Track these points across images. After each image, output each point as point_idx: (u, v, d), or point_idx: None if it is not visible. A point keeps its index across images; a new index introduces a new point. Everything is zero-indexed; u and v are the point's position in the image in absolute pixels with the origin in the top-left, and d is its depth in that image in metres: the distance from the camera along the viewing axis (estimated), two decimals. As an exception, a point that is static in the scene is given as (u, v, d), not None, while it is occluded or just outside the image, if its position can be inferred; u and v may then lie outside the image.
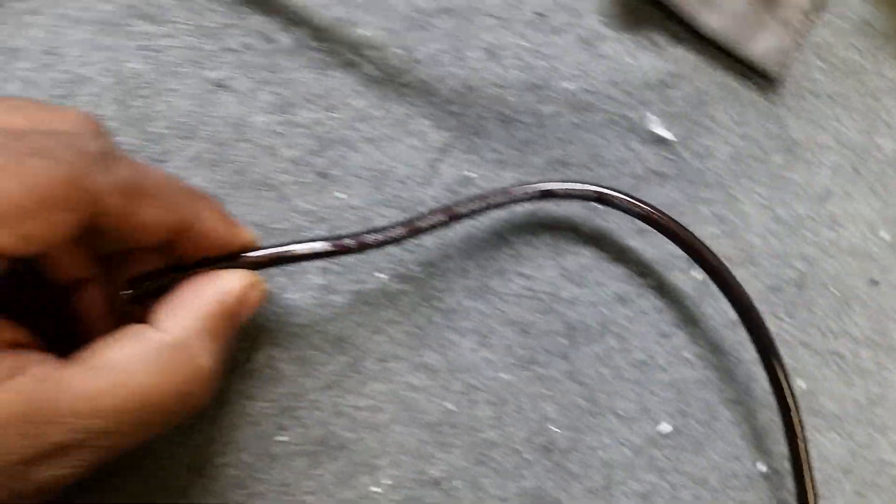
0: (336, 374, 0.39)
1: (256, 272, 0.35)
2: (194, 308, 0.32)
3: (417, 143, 0.42)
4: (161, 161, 0.39)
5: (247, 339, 0.38)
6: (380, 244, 0.37)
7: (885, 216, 0.47)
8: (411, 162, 0.42)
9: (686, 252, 0.41)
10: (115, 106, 0.39)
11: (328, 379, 0.39)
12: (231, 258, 0.35)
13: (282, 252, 0.36)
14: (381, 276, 0.40)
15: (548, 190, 0.40)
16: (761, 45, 0.46)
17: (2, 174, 0.26)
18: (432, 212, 0.38)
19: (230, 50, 0.41)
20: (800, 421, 0.40)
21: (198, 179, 0.39)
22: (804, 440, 0.40)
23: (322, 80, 0.42)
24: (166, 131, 0.40)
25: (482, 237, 0.42)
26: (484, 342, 0.41)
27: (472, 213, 0.39)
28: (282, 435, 0.38)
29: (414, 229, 0.38)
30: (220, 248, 0.34)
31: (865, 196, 0.47)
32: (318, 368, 0.39)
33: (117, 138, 0.39)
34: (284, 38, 0.41)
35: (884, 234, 0.46)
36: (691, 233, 0.40)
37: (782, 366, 0.40)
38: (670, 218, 0.40)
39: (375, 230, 0.37)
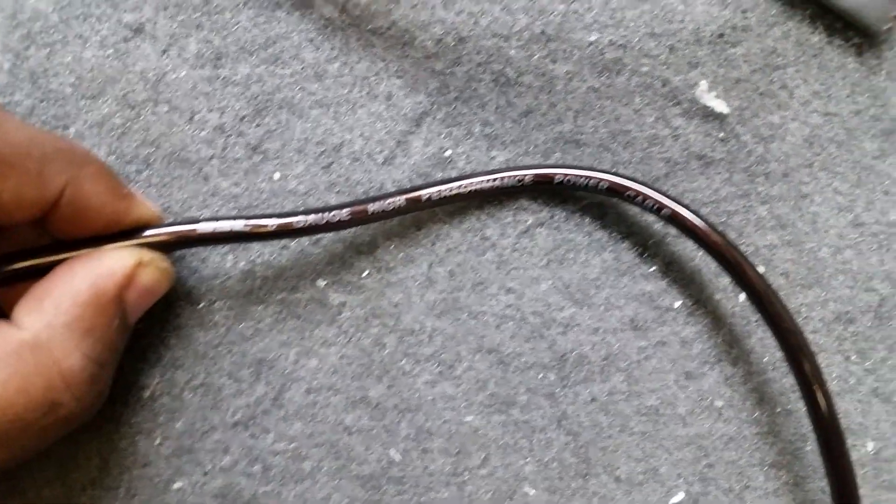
0: (252, 407, 0.25)
1: (155, 252, 0.22)
2: (61, 298, 0.21)
3: (384, 110, 0.26)
4: (59, 127, 0.25)
5: (142, 359, 0.25)
6: (312, 230, 0.22)
7: None
8: (373, 134, 0.26)
9: (721, 265, 0.24)
10: (10, 57, 0.25)
11: (241, 414, 0.25)
12: (121, 236, 0.22)
13: (182, 231, 0.22)
14: (321, 282, 0.25)
15: (544, 176, 0.24)
16: (864, -11, 0.27)
17: None
18: (390, 194, 0.23)
19: (152, -17, 0.26)
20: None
21: (100, 151, 0.25)
22: None
23: (266, 24, 0.26)
24: (69, 89, 0.25)
25: (457, 237, 0.26)
26: (447, 374, 0.25)
27: (441, 202, 0.24)
28: (179, 481, 0.24)
29: (362, 215, 0.23)
30: (108, 224, 0.22)
31: None
32: (230, 400, 0.25)
33: (7, 96, 0.25)
34: (220, -31, 0.26)
35: None
36: (730, 241, 0.24)
37: (837, 429, 0.24)
38: (704, 220, 0.24)
39: (309, 211, 0.22)
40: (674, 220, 0.24)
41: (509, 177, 0.24)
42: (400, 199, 0.23)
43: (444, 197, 0.24)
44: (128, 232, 0.22)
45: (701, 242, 0.24)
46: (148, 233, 0.22)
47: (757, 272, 0.24)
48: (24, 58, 0.25)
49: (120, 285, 0.21)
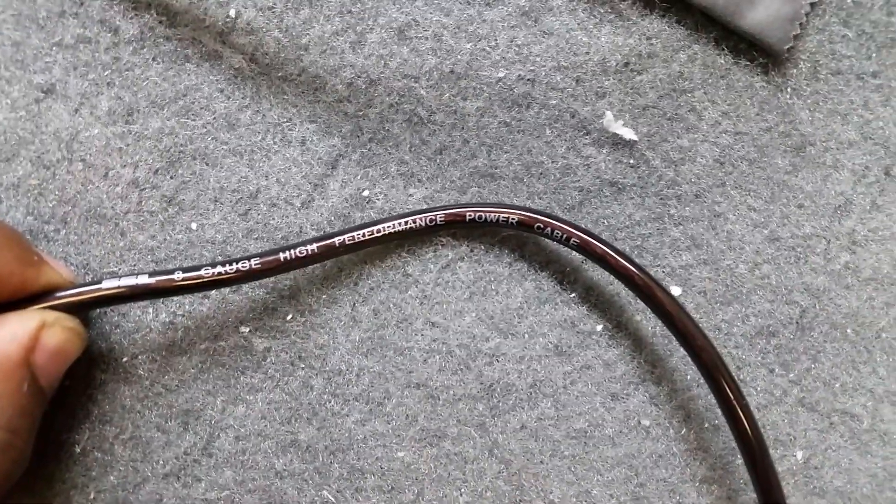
0: (181, 458, 0.28)
1: (60, 312, 0.25)
2: None
3: (298, 155, 0.30)
4: (-27, 188, 0.29)
5: (70, 416, 0.28)
6: (222, 282, 0.26)
7: (924, 232, 0.32)
8: (289, 179, 0.30)
9: (631, 289, 0.28)
10: (-82, 119, 0.29)
11: (172, 464, 0.28)
12: (27, 302, 0.25)
13: (88, 292, 0.25)
14: (244, 329, 0.29)
15: (455, 215, 0.28)
16: (763, 11, 0.31)
17: None
18: (302, 242, 0.27)
19: (62, 45, 0.29)
20: None
21: (17, 213, 0.29)
22: None
23: (176, 78, 0.30)
24: (-18, 150, 0.29)
25: (379, 276, 0.30)
26: (377, 411, 0.29)
27: (355, 247, 0.27)
28: (112, 536, 0.28)
29: (274, 264, 0.26)
30: (16, 292, 0.25)
31: (899, 206, 0.32)
32: (160, 451, 0.28)
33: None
34: (130, 27, 0.29)
35: (922, 255, 0.32)
36: (637, 265, 0.28)
37: (762, 447, 0.28)
38: (611, 247, 0.28)
39: (217, 263, 0.26)
40: (582, 248, 0.28)
41: (421, 218, 0.28)
42: (312, 247, 0.27)
43: (358, 242, 0.28)
44: (34, 297, 0.26)
45: (610, 268, 0.28)
46: (54, 296, 0.26)
47: (666, 292, 0.28)
48: (-66, 123, 0.29)
49: (25, 348, 0.24)
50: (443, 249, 0.30)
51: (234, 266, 0.26)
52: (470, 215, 0.28)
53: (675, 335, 0.28)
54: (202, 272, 0.26)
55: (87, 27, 0.29)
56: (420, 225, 0.28)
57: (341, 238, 0.27)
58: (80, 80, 0.29)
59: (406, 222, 0.28)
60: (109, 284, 0.26)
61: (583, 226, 0.29)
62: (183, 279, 0.26)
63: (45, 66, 0.29)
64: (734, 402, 0.27)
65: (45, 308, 0.25)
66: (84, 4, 0.29)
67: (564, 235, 0.28)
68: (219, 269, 0.26)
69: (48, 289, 0.26)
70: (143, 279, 0.26)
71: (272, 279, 0.29)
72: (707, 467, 0.30)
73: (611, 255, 0.28)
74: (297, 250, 0.26)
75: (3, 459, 0.23)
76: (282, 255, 0.27)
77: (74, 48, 0.29)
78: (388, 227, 0.27)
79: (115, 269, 0.28)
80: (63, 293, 0.26)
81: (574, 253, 0.30)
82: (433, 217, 0.28)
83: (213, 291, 0.29)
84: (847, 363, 0.31)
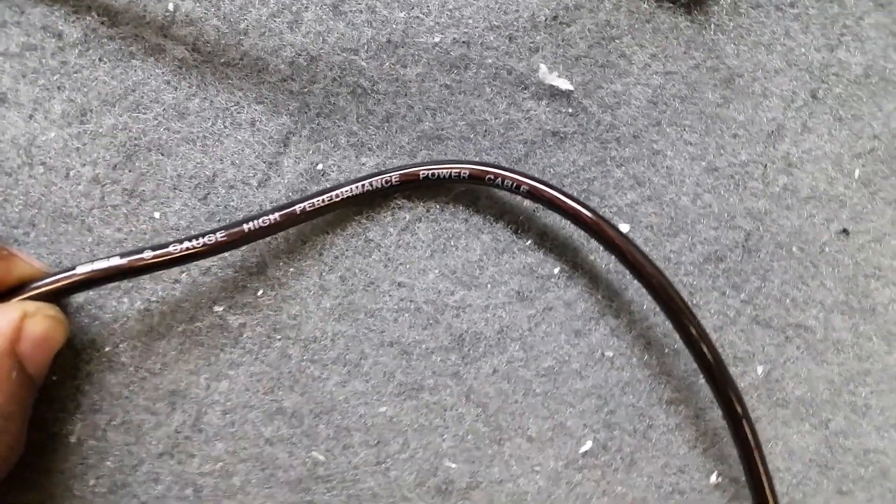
0: (173, 436, 0.33)
1: (40, 302, 0.30)
2: None
3: (249, 137, 0.35)
4: (-62, 202, 0.34)
5: (63, 409, 0.33)
6: (191, 257, 0.31)
7: (853, 149, 0.38)
8: (244, 160, 0.35)
9: (580, 227, 0.34)
10: None
11: (165, 444, 0.33)
12: (7, 295, 0.30)
13: (63, 278, 0.31)
14: (217, 308, 0.34)
15: (409, 174, 0.34)
16: (679, -47, 0.38)
17: None
18: (264, 213, 0.32)
19: (8, 55, 0.34)
20: (752, 428, 0.34)
21: (-16, 218, 0.34)
22: (759, 449, 0.34)
23: (123, 75, 0.35)
24: (-59, 165, 0.34)
25: (342, 244, 0.35)
26: (355, 372, 0.35)
27: (316, 213, 0.33)
28: (115, 516, 0.33)
29: (238, 235, 0.32)
30: None
31: (828, 126, 0.38)
32: (151, 433, 0.33)
33: None
34: (73, 30, 0.34)
35: (855, 171, 0.39)
36: (585, 204, 0.34)
37: (720, 364, 0.34)
38: (558, 190, 0.34)
39: (184, 239, 0.31)
40: (532, 194, 0.34)
41: (377, 180, 0.34)
42: (274, 216, 0.32)
43: (318, 208, 0.33)
44: (11, 291, 0.31)
45: (560, 210, 0.34)
46: (31, 287, 0.31)
47: (615, 228, 0.34)
48: None
49: (10, 339, 0.29)
50: (400, 212, 0.35)
51: (201, 240, 0.31)
52: (423, 173, 0.33)
53: (626, 267, 0.34)
54: (170, 248, 0.31)
55: (31, 34, 0.34)
56: (376, 186, 0.33)
57: (301, 205, 0.32)
58: (31, 87, 0.34)
59: (363, 185, 0.33)
60: (83, 269, 0.31)
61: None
62: (153, 257, 0.31)
63: (-7, 77, 0.34)
64: (689, 325, 0.33)
65: (24, 299, 0.30)
66: (25, 13, 0.34)
67: (514, 184, 0.33)
68: (186, 244, 0.31)
69: (22, 281, 0.31)
70: (115, 260, 0.31)
71: (239, 257, 0.34)
72: (672, 389, 0.36)
73: (559, 197, 0.33)
74: (260, 220, 0.32)
75: (11, 448, 0.28)
76: (245, 227, 0.32)
77: (21, 56, 0.34)
78: (346, 191, 0.33)
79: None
80: (40, 283, 0.31)
81: (525, 202, 0.36)
82: (388, 178, 0.33)
83: (184, 276, 0.34)
84: (795, 279, 0.37)
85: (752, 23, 0.38)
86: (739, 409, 0.33)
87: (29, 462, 0.32)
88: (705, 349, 0.33)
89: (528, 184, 0.33)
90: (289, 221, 0.32)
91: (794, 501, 0.36)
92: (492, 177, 0.33)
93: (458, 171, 0.34)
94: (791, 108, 0.38)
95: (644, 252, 0.33)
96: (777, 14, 0.38)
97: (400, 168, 0.34)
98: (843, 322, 0.37)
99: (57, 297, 0.31)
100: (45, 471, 0.32)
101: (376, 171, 0.35)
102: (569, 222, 0.34)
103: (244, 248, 0.34)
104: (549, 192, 0.33)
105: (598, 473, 0.35)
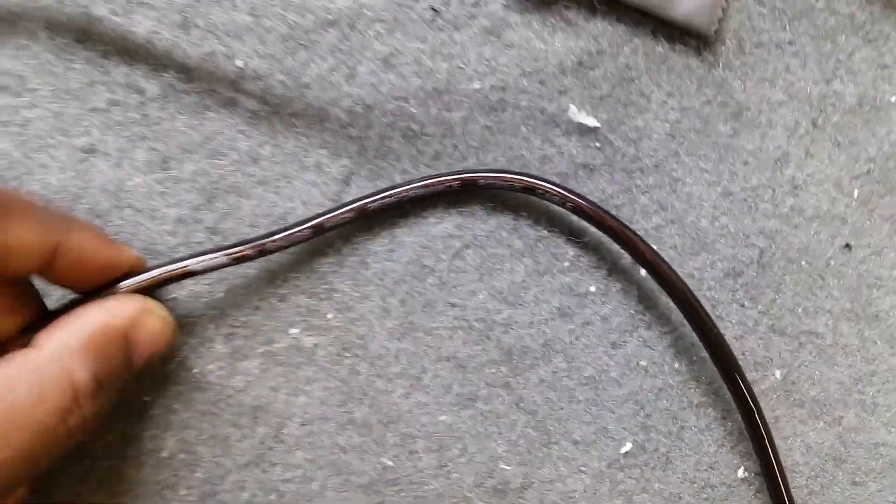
0: (257, 448, 0.39)
1: (156, 302, 0.35)
2: (77, 326, 0.32)
3: (316, 178, 0.41)
4: (38, 244, 0.39)
5: (156, 426, 0.38)
6: (282, 247, 0.37)
7: (852, 171, 0.45)
8: (311, 199, 0.41)
9: (618, 242, 0.40)
10: (-19, 191, 0.39)
11: (250, 455, 0.39)
12: (118, 281, 0.36)
13: (174, 269, 0.36)
14: (294, 331, 0.40)
15: (469, 179, 0.39)
16: (688, 1, 0.44)
17: None
18: (339, 207, 0.38)
19: (97, 110, 0.40)
20: (765, 425, 0.40)
21: (81, 258, 0.39)
22: (772, 446, 0.39)
23: (200, 125, 0.41)
24: (40, 210, 0.39)
25: (401, 270, 0.41)
26: (417, 385, 0.40)
27: (384, 208, 0.38)
28: (207, 522, 0.38)
29: (319, 227, 0.37)
30: (103, 270, 0.35)
31: (828, 152, 0.45)
32: (237, 445, 0.39)
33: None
34: (152, 87, 0.40)
35: (854, 191, 0.45)
36: (622, 221, 0.39)
37: (738, 369, 0.39)
38: (600, 207, 0.39)
39: (276, 232, 0.37)
40: (577, 210, 0.39)
41: (440, 181, 0.39)
42: (348, 211, 0.38)
43: (388, 204, 0.39)
44: (122, 277, 0.36)
45: (599, 225, 0.39)
46: (151, 272, 0.36)
47: (646, 244, 0.39)
48: (-6, 193, 0.39)
49: (127, 322, 0.34)
50: (451, 240, 0.41)
51: (288, 232, 0.37)
52: (482, 181, 0.39)
53: (655, 279, 0.39)
54: (266, 242, 0.37)
55: (115, 91, 0.40)
56: (438, 189, 0.39)
57: (374, 199, 0.38)
58: (117, 138, 0.40)
59: (426, 185, 0.39)
60: (194, 263, 0.36)
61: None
62: (253, 251, 0.37)
63: (84, 130, 0.40)
64: (709, 328, 0.39)
65: (147, 285, 0.36)
66: (110, 73, 0.40)
67: (562, 199, 0.39)
68: (276, 237, 0.37)
69: (129, 269, 0.36)
70: (219, 256, 0.36)
71: (311, 284, 0.40)
72: (700, 394, 0.41)
73: (600, 213, 0.39)
74: (337, 213, 0.38)
75: (91, 406, 0.32)
76: (325, 220, 0.38)
77: (107, 111, 0.40)
78: (411, 189, 0.39)
79: (175, 294, 0.39)
80: (154, 272, 0.36)
81: (561, 230, 0.42)
82: (450, 181, 0.39)
83: (262, 303, 0.39)
84: (805, 290, 0.43)
85: (755, 61, 0.44)
86: (756, 407, 0.39)
87: (125, 475, 0.37)
88: (726, 354, 0.39)
89: (574, 200, 0.39)
90: (361, 214, 0.38)
91: (812, 492, 0.42)
92: (542, 190, 0.39)
93: (514, 180, 0.39)
94: (794, 136, 0.44)
95: (673, 269, 0.39)
96: (777, 52, 0.44)
97: (461, 172, 0.40)
98: (850, 328, 0.43)
99: (160, 285, 0.36)
100: (140, 482, 0.38)
101: (438, 173, 0.40)
102: (601, 245, 0.40)
103: (316, 278, 0.39)
104: (592, 208, 0.39)
105: (637, 472, 0.40)
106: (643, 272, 0.41)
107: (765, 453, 0.39)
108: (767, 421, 0.39)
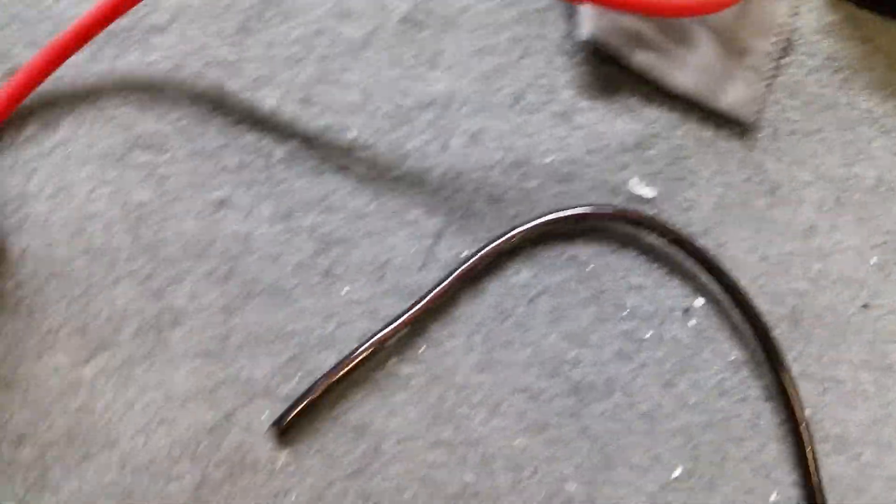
0: (359, 460, 0.46)
1: None
2: None
3: (413, 232, 0.50)
4: (177, 281, 0.47)
5: (274, 443, 0.46)
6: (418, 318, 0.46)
7: (871, 242, 0.53)
8: (409, 250, 0.49)
9: (710, 272, 0.48)
10: (128, 236, 0.48)
11: (353, 467, 0.46)
12: None
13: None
14: (392, 361, 0.48)
15: (583, 214, 0.48)
16: (732, 95, 0.53)
17: None
18: (493, 250, 0.47)
19: (228, 169, 0.49)
20: (809, 434, 0.47)
21: (213, 294, 0.47)
22: (814, 459, 0.47)
23: (318, 185, 0.49)
24: (179, 253, 0.48)
25: (484, 312, 0.49)
26: (496, 412, 0.48)
27: (513, 249, 0.48)
28: (316, 523, 0.45)
29: (441, 297, 0.47)
30: None
31: (851, 225, 0.53)
32: (342, 458, 0.46)
33: (129, 264, 0.47)
34: (278, 151, 0.49)
35: (872, 259, 0.53)
36: (712, 253, 0.48)
37: (790, 377, 0.48)
38: (694, 240, 0.48)
39: (417, 302, 0.46)
40: (676, 241, 0.48)
41: (554, 220, 0.48)
42: (482, 254, 0.47)
43: (511, 240, 0.47)
44: None
45: (692, 254, 0.48)
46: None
47: (730, 273, 0.48)
48: (138, 236, 0.48)
49: None
50: (526, 289, 0.49)
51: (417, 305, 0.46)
52: (592, 217, 0.48)
53: (737, 307, 0.48)
54: (409, 312, 0.46)
55: (245, 154, 0.49)
56: (556, 227, 0.48)
57: (502, 241, 0.47)
58: (245, 194, 0.49)
59: (546, 223, 0.47)
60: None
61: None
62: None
63: (216, 186, 0.49)
64: (780, 365, 0.48)
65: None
66: (239, 137, 0.49)
67: (664, 231, 0.48)
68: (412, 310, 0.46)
69: None
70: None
71: (410, 326, 0.48)
72: (741, 428, 0.49)
73: (695, 244, 0.48)
74: (480, 256, 0.47)
75: None
76: (466, 271, 0.47)
77: (237, 171, 0.49)
78: (530, 228, 0.47)
79: (293, 328, 0.47)
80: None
81: (620, 284, 0.50)
82: (565, 217, 0.48)
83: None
84: (829, 343, 0.51)
85: (788, 146, 0.53)
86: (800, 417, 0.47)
87: (245, 480, 0.45)
88: (784, 375, 0.48)
89: (675, 232, 0.48)
90: (494, 256, 0.48)
91: (838, 520, 0.49)
92: (647, 223, 0.48)
93: (621, 215, 0.48)
94: (821, 211, 0.53)
95: (753, 303, 0.48)
96: (806, 139, 0.54)
97: (575, 206, 0.48)
98: (868, 377, 0.51)
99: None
100: (256, 485, 0.45)
101: (553, 209, 0.49)
102: (656, 297, 0.48)
103: (414, 318, 0.47)
104: (689, 239, 0.48)
105: (685, 495, 0.48)
106: (692, 322, 0.49)
107: (808, 479, 0.47)
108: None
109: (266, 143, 0.49)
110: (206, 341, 0.46)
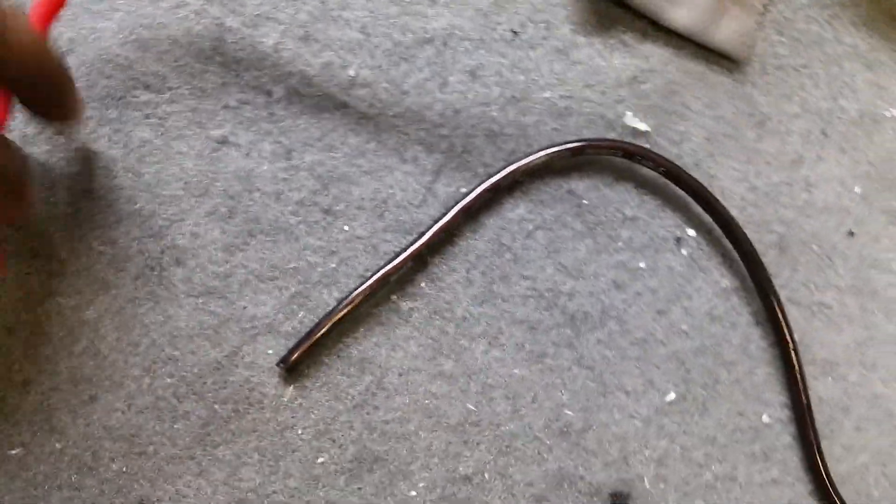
0: (363, 393, 0.40)
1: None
2: None
3: (412, 169, 0.42)
4: (179, 220, 0.40)
5: (274, 375, 0.40)
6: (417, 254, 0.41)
7: (855, 172, 0.46)
8: (408, 187, 0.42)
9: (700, 204, 0.43)
10: (129, 174, 0.40)
11: (357, 399, 0.40)
12: None
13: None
14: (393, 297, 0.41)
15: (580, 147, 0.42)
16: (724, 31, 0.45)
17: None
18: (486, 183, 0.42)
19: (229, 107, 0.41)
20: (798, 356, 0.42)
21: (215, 232, 0.40)
22: (803, 380, 0.41)
23: (318, 123, 0.42)
24: (181, 192, 0.41)
25: (482, 247, 0.42)
26: (495, 343, 0.41)
27: (511, 185, 0.42)
28: (321, 457, 0.39)
29: (443, 231, 0.41)
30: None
31: (835, 156, 0.46)
32: (347, 390, 0.40)
33: (132, 204, 0.40)
34: (278, 90, 0.42)
35: (856, 188, 0.46)
36: (703, 184, 0.42)
37: (779, 303, 0.42)
38: (685, 171, 0.43)
39: (416, 240, 0.41)
40: (669, 174, 0.41)
41: (552, 153, 0.41)
42: (482, 189, 0.41)
43: (516, 174, 0.42)
44: None
45: (684, 187, 0.41)
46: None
47: (721, 203, 0.41)
48: (140, 174, 0.40)
49: None
50: (524, 223, 0.42)
51: (435, 227, 0.41)
52: (590, 150, 0.42)
53: (727, 237, 0.42)
54: (411, 247, 0.40)
55: (246, 92, 0.42)
56: (554, 159, 0.42)
57: (505, 173, 0.41)
58: (246, 132, 0.41)
59: (548, 155, 0.42)
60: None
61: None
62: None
63: (218, 124, 0.41)
64: (771, 289, 0.42)
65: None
66: (239, 75, 0.42)
67: (654, 163, 0.41)
68: (426, 236, 0.40)
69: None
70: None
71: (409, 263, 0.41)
72: (731, 352, 0.43)
73: (685, 176, 0.42)
74: (479, 192, 0.41)
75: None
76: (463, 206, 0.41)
77: (238, 108, 0.42)
78: (530, 162, 0.41)
79: (295, 265, 0.40)
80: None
81: (617, 214, 0.43)
82: (561, 152, 0.42)
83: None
84: (816, 269, 0.45)
85: (776, 80, 0.46)
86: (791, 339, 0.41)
87: (251, 416, 0.38)
88: (774, 301, 0.42)
89: (665, 165, 0.42)
90: (494, 192, 0.42)
91: (824, 436, 0.43)
92: (640, 155, 0.42)
93: (617, 148, 0.42)
94: (807, 143, 0.46)
95: (743, 230, 0.42)
96: (794, 73, 0.46)
97: (573, 141, 0.42)
98: (853, 301, 0.45)
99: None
100: (263, 421, 0.39)
101: (553, 143, 0.43)
102: (649, 228, 0.41)
103: (412, 254, 0.40)
104: (680, 171, 0.42)
105: (679, 418, 0.42)
106: (684, 252, 0.43)
107: (798, 399, 0.41)
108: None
109: (266, 81, 0.42)
110: (208, 280, 0.39)
